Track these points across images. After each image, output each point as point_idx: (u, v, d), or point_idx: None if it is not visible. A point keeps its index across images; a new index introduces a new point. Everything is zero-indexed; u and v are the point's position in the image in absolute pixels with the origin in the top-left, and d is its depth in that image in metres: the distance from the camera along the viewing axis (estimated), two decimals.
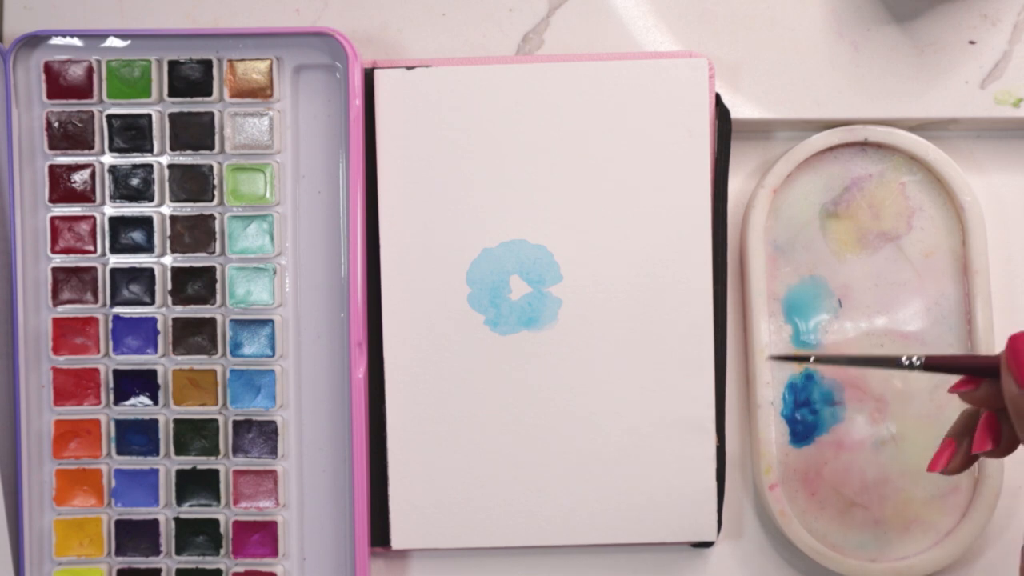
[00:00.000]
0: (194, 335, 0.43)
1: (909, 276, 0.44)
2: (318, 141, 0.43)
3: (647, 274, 0.42)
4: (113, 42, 0.43)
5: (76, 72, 0.42)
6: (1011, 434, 0.34)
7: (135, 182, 0.43)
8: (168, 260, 0.43)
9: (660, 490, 0.42)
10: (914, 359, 0.34)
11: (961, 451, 0.35)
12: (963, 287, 0.44)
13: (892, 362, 0.34)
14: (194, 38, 0.42)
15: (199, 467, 0.43)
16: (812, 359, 0.39)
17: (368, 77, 0.42)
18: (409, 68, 0.42)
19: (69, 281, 0.43)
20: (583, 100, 0.42)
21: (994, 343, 0.43)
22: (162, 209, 0.43)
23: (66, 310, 0.43)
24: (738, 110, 0.43)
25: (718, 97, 0.42)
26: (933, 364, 0.34)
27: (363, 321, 0.42)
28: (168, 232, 0.43)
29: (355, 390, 0.42)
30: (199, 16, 0.44)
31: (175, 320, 0.43)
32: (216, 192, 0.43)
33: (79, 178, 0.43)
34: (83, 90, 0.42)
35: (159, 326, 0.43)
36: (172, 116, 0.42)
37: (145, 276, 0.43)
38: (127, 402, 0.43)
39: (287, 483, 0.43)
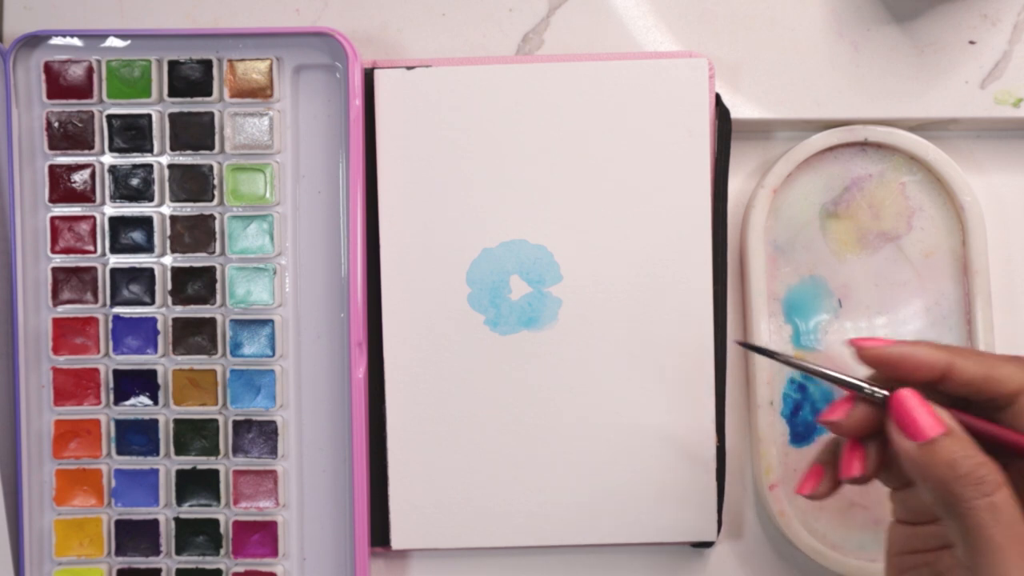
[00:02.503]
0: (194, 335, 0.43)
1: (909, 276, 0.44)
2: (318, 141, 0.43)
3: (647, 274, 0.42)
4: (113, 42, 0.43)
5: (76, 72, 0.42)
6: (877, 460, 0.32)
7: (135, 182, 0.43)
8: (168, 260, 0.43)
9: (660, 490, 0.42)
10: (876, 393, 0.32)
11: (828, 477, 0.33)
12: (963, 287, 0.44)
13: (855, 387, 0.32)
14: (194, 38, 0.42)
15: (199, 467, 0.43)
16: (776, 354, 0.35)
17: (368, 77, 0.42)
18: (409, 68, 0.42)
19: (69, 281, 0.43)
20: (583, 100, 0.42)
21: (994, 343, 0.43)
22: (162, 209, 0.43)
23: (66, 310, 0.43)
24: (738, 110, 0.43)
25: (718, 97, 0.42)
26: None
27: (363, 321, 0.42)
28: (168, 232, 0.43)
29: (355, 390, 0.42)
30: (199, 16, 0.44)
31: (175, 320, 0.43)
32: (216, 192, 0.43)
33: (79, 178, 0.43)
34: (83, 90, 0.42)
35: (159, 326, 0.43)
36: (172, 116, 0.42)
37: (145, 276, 0.43)
38: (127, 402, 0.43)
39: (287, 483, 0.43)
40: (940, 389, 0.31)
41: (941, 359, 0.30)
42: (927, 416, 0.29)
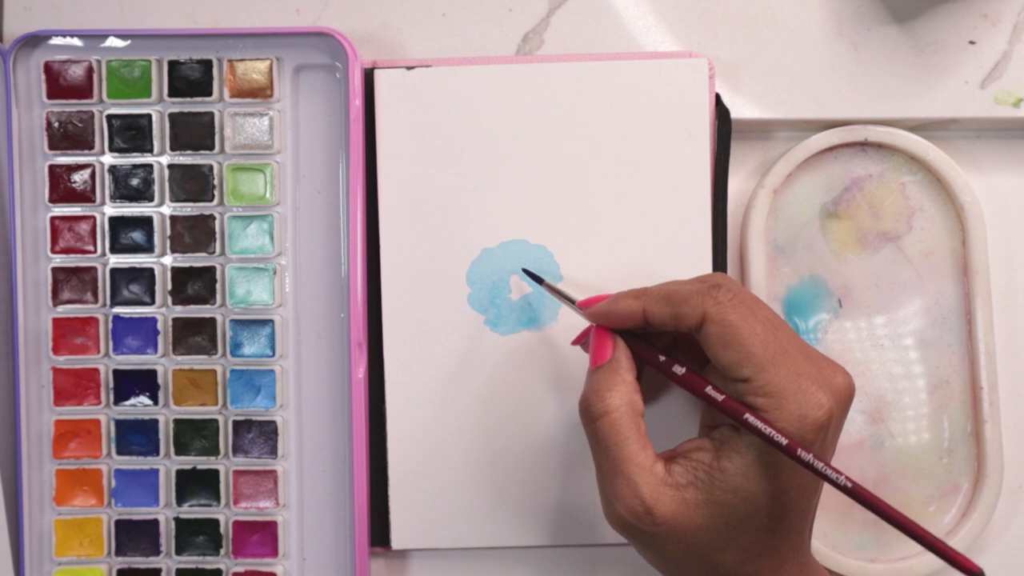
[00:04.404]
0: (194, 335, 0.43)
1: (909, 276, 0.44)
2: (318, 141, 0.43)
3: (647, 274, 0.42)
4: (113, 42, 0.43)
5: (76, 72, 0.42)
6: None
7: (135, 182, 0.43)
8: (168, 260, 0.43)
9: None
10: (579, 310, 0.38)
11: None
12: (963, 287, 0.44)
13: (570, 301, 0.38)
14: (194, 38, 0.42)
15: (199, 467, 0.43)
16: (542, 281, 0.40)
17: (368, 77, 0.42)
18: (409, 68, 0.42)
19: (69, 281, 0.43)
20: (583, 100, 0.42)
21: (994, 343, 0.43)
22: (162, 209, 0.43)
23: (66, 310, 0.43)
24: (738, 110, 0.43)
25: (718, 97, 0.42)
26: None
27: (363, 321, 0.42)
28: (168, 232, 0.43)
29: (355, 390, 0.42)
30: (199, 16, 0.44)
31: (175, 320, 0.43)
32: (216, 192, 0.43)
33: (79, 178, 0.43)
34: (83, 90, 0.42)
35: (159, 326, 0.43)
36: (172, 116, 0.42)
37: (145, 276, 0.43)
38: (127, 402, 0.43)
39: (287, 483, 0.43)
40: (651, 331, 0.36)
41: (636, 309, 0.35)
42: (593, 351, 0.36)
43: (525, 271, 0.41)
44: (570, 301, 0.38)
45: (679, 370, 0.35)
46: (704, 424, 0.36)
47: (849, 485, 0.31)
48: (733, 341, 0.33)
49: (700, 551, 0.34)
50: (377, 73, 0.42)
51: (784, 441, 0.31)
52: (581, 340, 0.39)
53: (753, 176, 0.45)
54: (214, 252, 0.43)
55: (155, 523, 0.43)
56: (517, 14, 0.44)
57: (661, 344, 0.38)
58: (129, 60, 0.42)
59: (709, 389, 0.34)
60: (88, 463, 0.43)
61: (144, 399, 0.43)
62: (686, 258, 0.42)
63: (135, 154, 0.43)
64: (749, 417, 0.32)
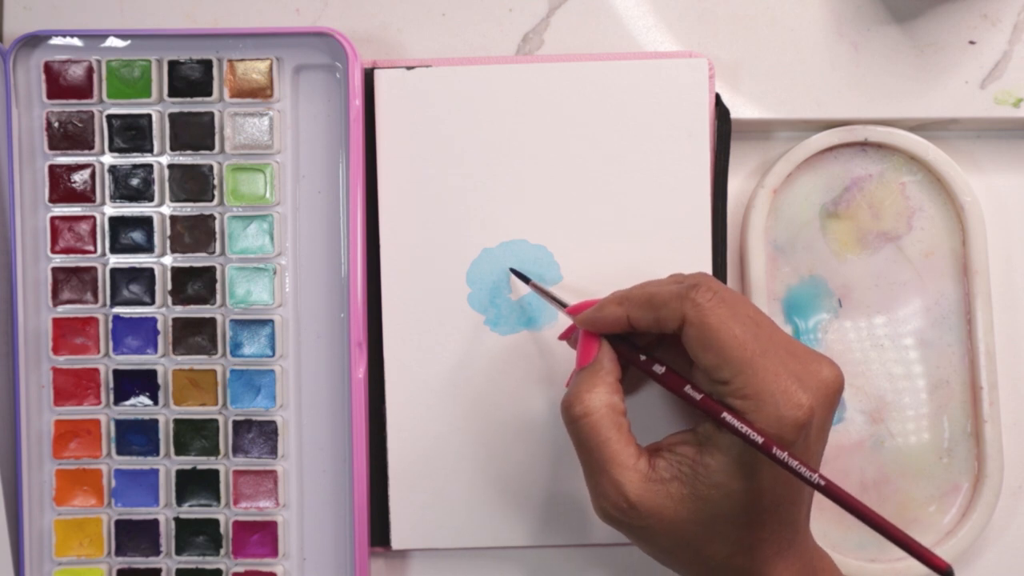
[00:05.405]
0: (194, 335, 0.43)
1: (909, 276, 0.44)
2: (318, 141, 0.43)
3: (647, 274, 0.42)
4: (113, 42, 0.43)
5: (76, 72, 0.42)
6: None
7: (135, 182, 0.43)
8: (168, 260, 0.43)
9: None
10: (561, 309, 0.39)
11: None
12: (963, 287, 0.44)
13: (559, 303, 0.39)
14: (194, 38, 0.42)
15: (199, 467, 0.43)
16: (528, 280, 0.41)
17: (368, 77, 0.42)
18: (409, 68, 0.42)
19: (69, 281, 0.43)
20: (583, 100, 0.42)
21: (994, 343, 0.43)
22: (162, 209, 0.43)
23: (66, 310, 0.43)
24: (738, 110, 0.43)
25: (718, 97, 0.42)
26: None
27: (363, 321, 0.42)
28: (168, 232, 0.43)
29: (355, 390, 0.42)
30: (199, 16, 0.44)
31: (175, 320, 0.43)
32: (216, 192, 0.43)
33: (79, 178, 0.43)
34: (83, 90, 0.42)
35: (159, 326, 0.43)
36: (172, 116, 0.42)
37: (145, 276, 0.43)
38: (127, 402, 0.43)
39: (287, 483, 0.43)
40: (639, 331, 0.36)
41: (621, 316, 0.35)
42: (579, 353, 0.37)
43: (513, 271, 0.41)
44: (557, 303, 0.39)
45: (659, 370, 0.35)
46: (694, 413, 0.37)
47: (823, 483, 0.32)
48: (712, 344, 0.33)
49: (689, 543, 0.34)
50: (377, 73, 0.42)
51: (760, 440, 0.32)
52: (568, 336, 0.40)
53: (753, 176, 0.45)
54: (214, 252, 0.43)
55: (155, 523, 0.43)
56: (517, 14, 0.44)
57: (647, 340, 0.38)
58: (129, 60, 0.42)
59: (688, 388, 0.34)
60: (88, 463, 0.43)
61: (144, 399, 0.43)
62: (686, 258, 0.42)
63: (135, 154, 0.43)
64: (726, 416, 0.32)
